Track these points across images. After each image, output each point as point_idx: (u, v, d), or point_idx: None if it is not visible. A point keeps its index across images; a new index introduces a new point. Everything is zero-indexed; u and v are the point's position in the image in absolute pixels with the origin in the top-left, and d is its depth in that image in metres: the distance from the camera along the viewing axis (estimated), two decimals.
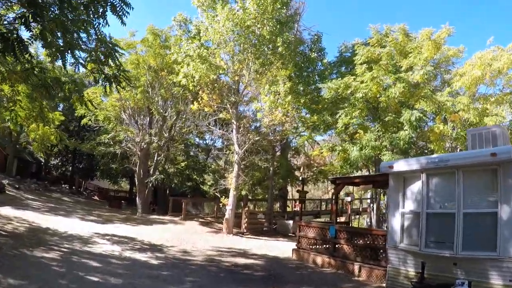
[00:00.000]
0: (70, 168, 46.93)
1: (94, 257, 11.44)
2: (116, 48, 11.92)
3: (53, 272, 9.14)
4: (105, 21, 10.89)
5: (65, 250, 12.02)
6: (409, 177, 9.78)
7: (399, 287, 9.44)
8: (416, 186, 9.53)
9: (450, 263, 8.45)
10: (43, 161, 45.97)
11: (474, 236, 8.25)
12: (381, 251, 11.42)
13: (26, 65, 14.20)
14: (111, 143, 30.27)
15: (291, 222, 25.78)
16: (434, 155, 11.31)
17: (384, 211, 22.87)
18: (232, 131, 22.45)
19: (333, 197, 17.69)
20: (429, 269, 8.54)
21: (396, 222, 9.85)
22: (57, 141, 24.12)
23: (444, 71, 22.93)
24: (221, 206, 25.28)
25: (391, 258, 9.91)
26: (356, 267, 11.94)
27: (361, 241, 12.48)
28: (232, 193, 21.44)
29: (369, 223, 24.29)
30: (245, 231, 22.66)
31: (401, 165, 9.94)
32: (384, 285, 10.34)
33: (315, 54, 23.07)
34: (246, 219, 23.16)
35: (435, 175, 9.26)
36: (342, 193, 18.40)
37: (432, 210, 9.09)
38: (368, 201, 28.94)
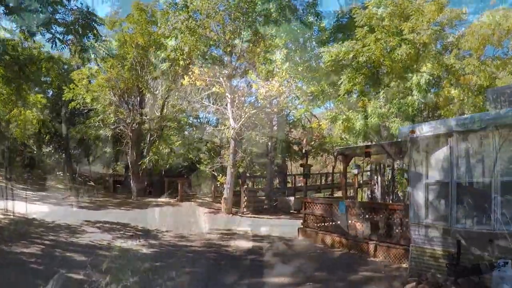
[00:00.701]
0: (64, 155, 45.86)
1: (79, 249, 10.38)
2: (94, 18, 11.42)
3: (29, 271, 8.06)
4: None
5: (48, 243, 10.95)
6: (434, 142, 8.43)
7: (424, 268, 8.28)
8: (442, 153, 8.22)
9: (485, 240, 7.27)
10: (35, 150, 44.86)
11: None
12: (399, 227, 10.30)
13: None
14: (101, 126, 29.00)
15: (292, 198, 25.01)
16: (464, 116, 10.10)
17: (387, 182, 21.92)
18: (226, 105, 21.19)
19: (335, 170, 16.58)
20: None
21: (419, 195, 8.58)
22: (39, 125, 22.96)
23: (445, 35, 21.67)
24: (218, 185, 24.28)
25: (414, 236, 8.69)
26: (371, 247, 10.81)
27: (375, 217, 11.29)
28: (229, 170, 20.59)
29: (369, 196, 23.40)
30: (245, 210, 21.65)
31: (424, 129, 8.59)
32: (404, 265, 9.27)
33: (312, 19, 21.57)
34: (246, 198, 22.19)
35: (465, 138, 7.92)
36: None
37: (463, 180, 7.86)
38: (369, 173, 27.99)
